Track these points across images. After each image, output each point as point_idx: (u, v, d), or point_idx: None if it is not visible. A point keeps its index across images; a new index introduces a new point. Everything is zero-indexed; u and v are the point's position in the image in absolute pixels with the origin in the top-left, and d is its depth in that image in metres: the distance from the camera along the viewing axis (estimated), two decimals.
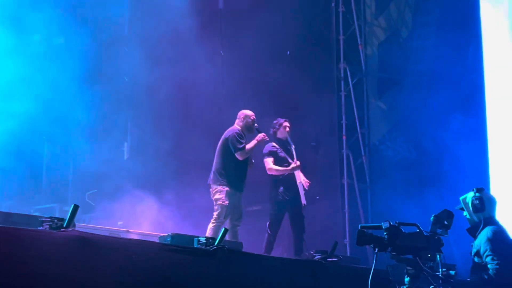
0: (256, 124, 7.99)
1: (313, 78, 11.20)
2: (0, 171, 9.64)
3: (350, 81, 11.43)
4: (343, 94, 11.46)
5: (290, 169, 8.17)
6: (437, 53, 11.58)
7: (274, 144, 8.32)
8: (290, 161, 8.29)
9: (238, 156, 7.72)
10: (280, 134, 8.38)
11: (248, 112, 8.01)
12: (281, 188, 8.18)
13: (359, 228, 5.19)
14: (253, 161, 8.02)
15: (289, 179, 8.22)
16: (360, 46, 11.70)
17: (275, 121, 8.49)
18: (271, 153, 8.21)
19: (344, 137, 11.35)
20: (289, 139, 8.50)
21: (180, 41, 10.40)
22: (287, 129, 8.39)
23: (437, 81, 11.79)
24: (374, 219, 10.88)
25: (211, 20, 10.95)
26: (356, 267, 7.28)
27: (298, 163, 8.22)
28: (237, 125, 7.94)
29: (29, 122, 9.41)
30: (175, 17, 10.25)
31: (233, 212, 7.78)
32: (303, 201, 8.21)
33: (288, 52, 11.32)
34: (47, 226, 4.61)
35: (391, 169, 11.21)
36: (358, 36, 11.63)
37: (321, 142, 11.28)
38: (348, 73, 11.46)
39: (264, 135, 7.88)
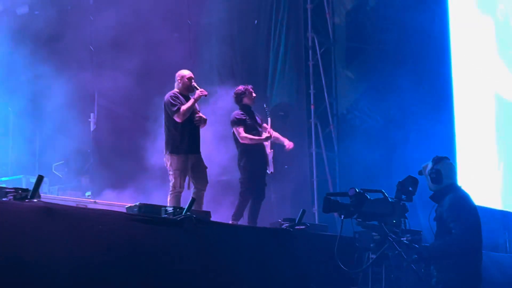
0: (193, 83, 7.68)
1: (281, 47, 11.18)
2: None
3: (318, 50, 11.42)
4: (311, 63, 11.45)
5: (264, 139, 8.16)
6: (404, 22, 11.61)
7: (240, 111, 8.26)
8: (259, 129, 8.28)
9: (176, 118, 7.49)
10: (247, 100, 8.32)
11: (184, 72, 7.77)
12: (251, 155, 8.17)
13: (326, 195, 5.25)
14: (204, 117, 7.73)
15: (259, 146, 8.21)
16: (327, 15, 11.67)
17: (240, 87, 8.38)
18: (240, 121, 8.14)
19: (312, 107, 11.37)
20: (266, 109, 8.50)
21: (145, 11, 10.27)
22: (254, 94, 8.35)
23: (404, 51, 11.84)
24: (342, 188, 10.98)
25: None
26: (324, 235, 7.36)
27: (273, 133, 8.20)
28: (176, 88, 7.76)
29: None
30: None
31: (192, 177, 7.61)
32: (271, 169, 8.22)
33: (256, 21, 11.26)
34: (11, 197, 4.57)
35: (358, 138, 11.28)
36: (325, 5, 11.60)
37: (289, 111, 11.28)
38: (316, 42, 11.43)
39: (201, 91, 7.60)
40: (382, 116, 11.59)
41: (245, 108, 8.28)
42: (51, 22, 10.12)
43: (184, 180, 7.55)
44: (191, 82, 7.68)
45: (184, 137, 7.56)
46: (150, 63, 10.30)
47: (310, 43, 11.48)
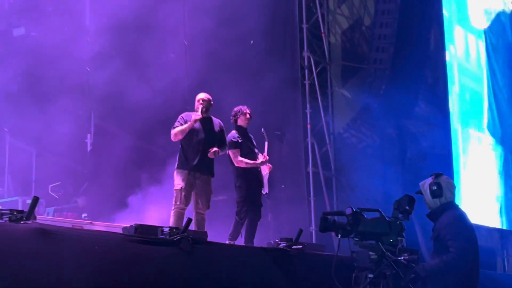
0: (200, 105, 7.77)
1: (277, 68, 11.20)
2: None
3: (314, 70, 11.46)
4: (307, 82, 11.48)
5: (260, 163, 8.17)
6: (400, 41, 11.67)
7: (235, 133, 8.24)
8: (255, 150, 8.28)
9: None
10: (241, 122, 8.31)
11: (199, 94, 7.92)
12: (246, 176, 8.16)
13: (322, 215, 5.22)
14: (217, 152, 7.76)
15: (254, 168, 8.20)
16: (323, 34, 11.72)
17: (236, 109, 8.37)
18: (236, 144, 8.14)
19: (308, 126, 11.38)
20: (264, 133, 8.49)
21: (141, 30, 10.30)
22: (248, 116, 8.33)
23: (400, 69, 11.90)
24: (340, 207, 10.97)
25: (173, 10, 10.85)
26: (321, 254, 7.33)
27: (267, 157, 8.21)
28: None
29: None
30: (135, 4, 10.13)
31: (195, 197, 7.64)
32: (266, 190, 8.22)
33: (252, 41, 11.29)
34: (7, 219, 4.55)
35: (355, 157, 11.29)
36: (321, 24, 11.66)
37: (286, 131, 11.29)
38: (312, 61, 11.48)
39: (196, 115, 7.69)
40: (379, 135, 11.62)
41: (240, 130, 8.25)
42: (47, 43, 10.14)
43: (186, 197, 7.55)
44: (199, 104, 7.82)
45: (191, 155, 7.66)
46: (147, 84, 10.32)
47: (306, 63, 11.52)
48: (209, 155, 7.63)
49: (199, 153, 7.65)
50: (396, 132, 11.50)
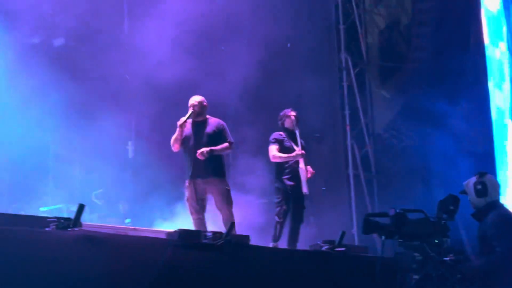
0: (191, 111, 7.69)
1: (315, 69, 11.18)
2: (7, 174, 9.67)
3: (352, 71, 11.41)
4: (345, 84, 11.46)
5: (294, 156, 8.12)
6: (438, 39, 11.54)
7: (280, 132, 8.32)
8: (297, 149, 8.26)
9: None
10: (287, 124, 8.37)
11: (190, 99, 7.86)
12: (285, 176, 8.16)
13: (365, 216, 5.19)
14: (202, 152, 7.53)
15: (293, 168, 8.18)
16: (360, 35, 11.67)
17: (281, 113, 8.46)
18: (276, 141, 8.19)
19: (348, 128, 11.33)
20: (295, 127, 8.49)
21: (181, 40, 10.36)
22: (292, 117, 8.36)
23: (439, 68, 11.76)
24: (381, 208, 10.88)
25: (210, 19, 10.90)
26: (364, 256, 7.27)
27: (303, 151, 8.17)
28: None
29: (34, 124, 9.44)
30: (176, 17, 10.19)
31: (203, 201, 7.64)
32: (305, 189, 8.14)
33: (288, 44, 11.29)
34: (54, 227, 4.63)
35: (396, 157, 11.20)
36: (358, 25, 11.60)
37: (325, 133, 11.26)
38: (350, 62, 11.43)
39: (179, 123, 7.63)
40: (419, 135, 11.50)
41: (286, 131, 8.32)
42: (87, 53, 10.29)
43: (195, 206, 7.59)
44: (190, 108, 7.74)
45: (188, 162, 7.69)
46: (185, 89, 10.36)
47: (343, 64, 11.48)
48: (197, 156, 7.48)
49: (192, 160, 7.60)
50: (436, 131, 11.37)
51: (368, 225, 5.09)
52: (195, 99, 7.80)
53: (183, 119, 7.61)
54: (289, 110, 8.44)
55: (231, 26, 11.04)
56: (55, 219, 4.67)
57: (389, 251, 5.41)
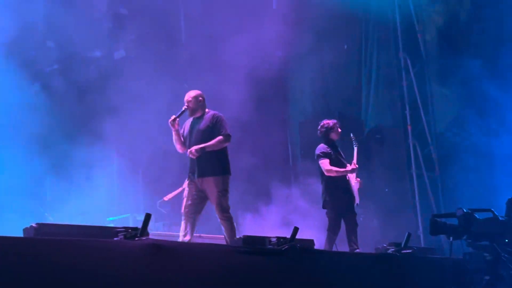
0: (184, 108, 7.26)
1: (373, 70, 11.10)
2: (73, 185, 9.89)
3: (410, 70, 11.27)
4: (404, 83, 11.32)
5: (350, 171, 8.09)
6: (500, 33, 11.29)
7: (325, 145, 8.24)
8: (344, 162, 8.23)
9: None
10: (334, 136, 8.30)
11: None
12: (336, 192, 8.10)
13: (432, 217, 5.12)
14: (194, 152, 7.10)
15: (343, 179, 8.15)
16: (418, 34, 11.52)
17: (329, 122, 8.33)
18: (326, 155, 8.13)
19: (409, 127, 11.19)
20: (353, 139, 8.42)
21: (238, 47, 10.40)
22: (339, 130, 8.32)
23: (500, 63, 11.51)
24: (446, 208, 10.71)
25: (265, 20, 10.93)
26: (432, 258, 7.16)
27: (357, 166, 8.11)
28: None
29: (99, 136, 9.64)
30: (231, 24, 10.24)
31: (199, 203, 7.21)
32: (357, 200, 8.13)
33: (345, 46, 11.24)
34: (122, 236, 4.70)
35: (460, 156, 10.98)
36: (415, 23, 11.46)
37: (386, 134, 11.14)
38: (408, 62, 11.30)
39: (169, 121, 7.20)
40: (484, 132, 11.25)
41: (330, 143, 8.26)
42: (146, 63, 10.45)
43: (187, 205, 7.18)
44: (185, 105, 7.34)
45: (188, 162, 7.31)
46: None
47: (402, 63, 11.35)
48: (189, 155, 7.13)
49: (189, 159, 7.24)
50: (502, 127, 11.10)
51: (436, 226, 5.02)
52: (189, 95, 7.32)
53: (173, 116, 7.17)
54: (336, 122, 8.33)
55: (287, 32, 11.05)
56: (123, 229, 4.74)
57: (458, 252, 5.32)
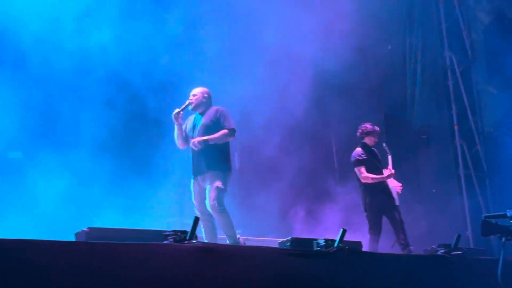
0: (187, 102, 7.10)
1: (418, 70, 10.99)
2: (121, 190, 10.00)
3: (456, 69, 11.12)
4: (450, 83, 11.18)
5: (386, 177, 8.06)
6: None
7: (361, 150, 8.19)
8: (380, 166, 8.18)
9: None
10: (369, 141, 8.26)
11: None
12: (375, 193, 8.08)
13: (483, 218, 5.04)
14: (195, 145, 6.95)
15: (381, 183, 8.11)
16: (463, 33, 11.37)
17: (368, 126, 8.28)
18: (361, 162, 8.10)
19: (456, 127, 11.04)
20: (386, 148, 8.36)
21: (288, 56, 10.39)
22: (377, 137, 8.26)
23: None
24: (495, 208, 10.51)
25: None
26: (483, 259, 7.07)
27: (393, 171, 8.06)
28: None
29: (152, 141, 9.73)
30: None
31: (203, 201, 6.98)
32: (397, 202, 8.09)
33: (389, 46, 11.15)
34: (172, 240, 4.75)
35: (509, 155, 10.79)
36: (461, 22, 11.31)
37: (432, 134, 11.02)
38: (454, 61, 11.15)
39: (173, 114, 7.05)
40: None
41: (365, 147, 8.23)
42: None
43: (198, 208, 7.02)
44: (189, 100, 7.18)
45: (191, 160, 7.16)
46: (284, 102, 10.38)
47: (447, 63, 11.21)
48: (191, 146, 6.92)
49: (192, 157, 7.09)
50: None
51: (487, 227, 4.94)
52: (195, 90, 7.20)
53: (177, 110, 7.01)
54: (376, 129, 8.28)
55: (331, 30, 10.99)
56: (172, 233, 4.79)
57: (510, 253, 5.23)
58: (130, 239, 4.68)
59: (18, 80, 8.52)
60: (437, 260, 6.57)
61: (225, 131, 6.96)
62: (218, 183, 6.83)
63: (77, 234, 4.68)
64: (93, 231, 4.63)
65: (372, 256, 6.32)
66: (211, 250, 4.84)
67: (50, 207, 9.15)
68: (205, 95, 7.17)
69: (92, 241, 4.46)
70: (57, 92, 9.00)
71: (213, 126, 7.00)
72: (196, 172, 7.03)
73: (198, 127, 7.06)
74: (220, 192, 6.84)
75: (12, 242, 3.79)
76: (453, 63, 11.20)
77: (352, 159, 8.15)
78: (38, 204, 9.05)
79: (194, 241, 4.75)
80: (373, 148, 8.30)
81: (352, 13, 10.50)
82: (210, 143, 6.90)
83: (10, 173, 9.16)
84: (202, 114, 7.14)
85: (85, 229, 4.64)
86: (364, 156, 8.11)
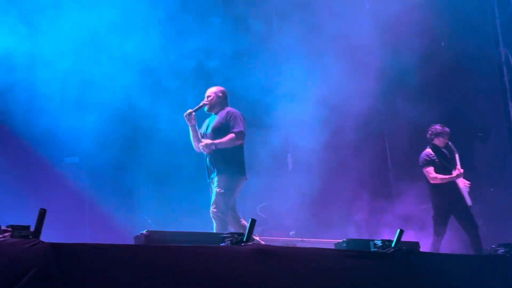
0: (202, 103, 7.08)
1: (472, 67, 10.81)
2: (179, 195, 10.12)
3: None
4: (506, 79, 10.98)
5: (455, 177, 8.03)
6: None
7: (430, 151, 8.20)
8: (449, 167, 8.12)
9: None
10: (438, 142, 8.28)
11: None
12: (444, 194, 8.05)
13: None
14: (204, 146, 6.93)
15: (450, 183, 8.07)
16: None
17: (438, 127, 8.31)
18: (430, 163, 8.12)
19: None
20: (452, 147, 8.32)
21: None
22: (447, 138, 8.25)
23: None
24: None
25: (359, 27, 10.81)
26: None
27: (462, 170, 8.01)
28: None
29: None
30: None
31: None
32: (469, 202, 8.01)
33: (443, 43, 11.00)
34: (229, 242, 4.78)
35: None
36: None
37: (489, 131, 10.84)
38: (510, 57, 10.94)
39: (185, 115, 6.97)
40: None
41: (435, 148, 8.23)
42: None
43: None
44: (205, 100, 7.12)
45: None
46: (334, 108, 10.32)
47: (503, 59, 11.01)
48: (202, 148, 6.89)
49: (205, 163, 7.07)
50: None
51: None
52: (209, 91, 7.13)
53: (189, 110, 6.96)
54: (446, 130, 8.27)
55: (381, 28, 10.91)
56: (229, 235, 4.83)
57: None
58: (188, 242, 4.74)
59: None
60: (497, 260, 6.45)
61: (232, 135, 6.90)
62: (219, 188, 6.81)
63: (136, 238, 4.76)
64: (152, 234, 4.70)
65: (430, 256, 6.25)
66: (268, 252, 4.85)
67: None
68: (220, 94, 7.12)
69: (152, 244, 4.52)
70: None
71: (222, 128, 6.96)
72: (208, 175, 7.07)
73: (209, 129, 7.05)
74: (219, 197, 6.82)
75: (74, 246, 3.85)
76: (508, 59, 11.00)
77: (421, 159, 8.22)
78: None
79: (250, 243, 4.77)
80: (444, 150, 8.30)
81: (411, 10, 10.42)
82: (219, 147, 6.87)
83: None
84: (216, 114, 7.12)
85: (144, 232, 4.71)
86: (432, 157, 8.16)
